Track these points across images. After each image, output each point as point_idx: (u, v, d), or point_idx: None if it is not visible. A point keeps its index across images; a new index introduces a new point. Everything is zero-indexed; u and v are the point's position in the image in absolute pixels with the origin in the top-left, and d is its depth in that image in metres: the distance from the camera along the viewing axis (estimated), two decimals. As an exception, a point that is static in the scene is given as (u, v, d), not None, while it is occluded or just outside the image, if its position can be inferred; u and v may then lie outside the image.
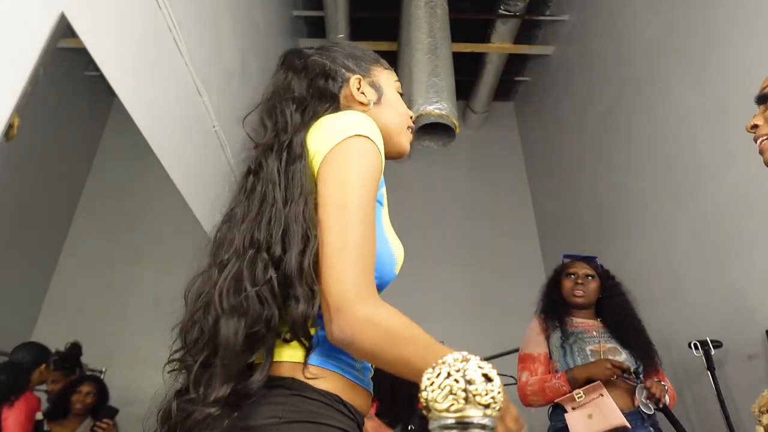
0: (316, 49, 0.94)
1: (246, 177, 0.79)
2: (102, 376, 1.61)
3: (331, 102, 0.86)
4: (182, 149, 1.92)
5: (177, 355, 0.73)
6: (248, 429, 0.64)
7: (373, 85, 0.92)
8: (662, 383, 1.86)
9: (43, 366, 1.26)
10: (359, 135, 0.73)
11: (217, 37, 2.26)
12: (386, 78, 0.95)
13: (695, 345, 2.16)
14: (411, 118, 0.98)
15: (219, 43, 2.28)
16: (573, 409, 1.81)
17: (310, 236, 0.69)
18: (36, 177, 1.32)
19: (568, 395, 1.83)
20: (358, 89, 0.89)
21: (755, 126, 1.13)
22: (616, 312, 2.06)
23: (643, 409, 1.79)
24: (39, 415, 1.24)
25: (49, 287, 1.37)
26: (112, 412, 1.58)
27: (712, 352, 2.12)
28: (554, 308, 2.11)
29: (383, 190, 0.80)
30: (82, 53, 1.29)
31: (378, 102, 0.90)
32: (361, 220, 0.68)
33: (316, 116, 0.81)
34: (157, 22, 1.68)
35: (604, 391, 1.76)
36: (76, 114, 1.49)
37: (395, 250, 0.79)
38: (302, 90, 0.85)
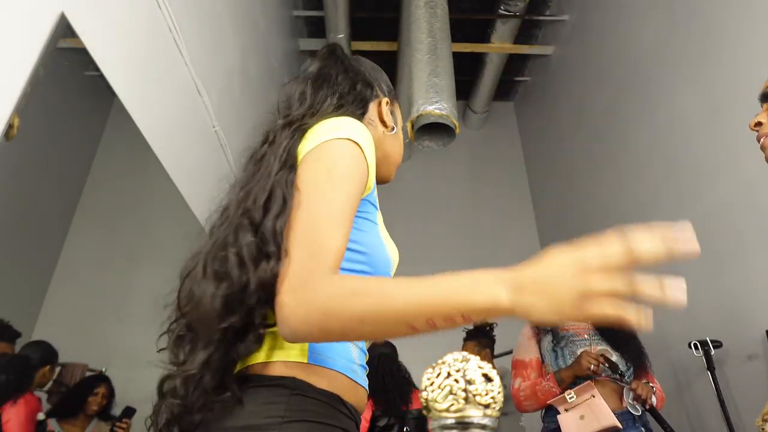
0: (355, 59, 1.01)
1: (261, 145, 0.81)
2: (105, 374, 1.61)
3: (363, 109, 0.91)
4: (182, 149, 1.92)
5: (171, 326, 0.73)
6: (250, 428, 0.64)
7: (393, 115, 0.99)
8: (650, 384, 1.88)
9: (48, 367, 1.26)
10: (344, 138, 0.73)
11: (217, 37, 2.26)
12: (399, 114, 1.02)
13: (695, 345, 2.16)
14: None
15: (219, 43, 2.28)
16: (566, 410, 1.82)
17: (287, 201, 0.69)
18: (36, 177, 1.32)
19: (559, 396, 1.85)
20: (387, 112, 0.96)
21: (759, 124, 1.13)
22: None
23: (630, 410, 1.81)
24: (41, 416, 1.24)
25: (49, 287, 1.37)
26: (131, 412, 1.59)
27: (712, 352, 2.12)
28: None
29: (375, 194, 0.81)
30: (82, 53, 1.29)
31: (393, 130, 0.97)
32: (323, 216, 0.66)
33: (344, 114, 0.83)
34: (157, 22, 1.68)
35: (596, 392, 1.78)
36: (76, 114, 1.49)
37: (390, 253, 0.79)
38: (345, 88, 0.89)
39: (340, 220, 0.67)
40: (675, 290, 0.50)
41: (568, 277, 0.50)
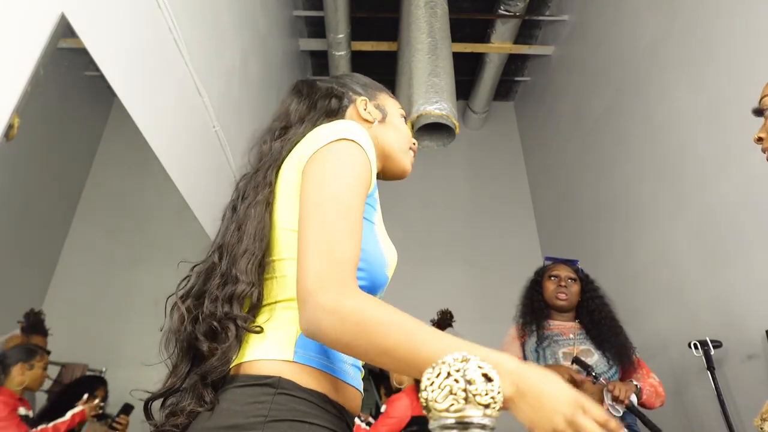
0: (329, 78, 1.02)
1: (232, 205, 0.84)
2: (102, 376, 1.61)
3: (333, 118, 0.91)
4: (182, 149, 1.92)
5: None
6: (234, 428, 0.64)
7: (378, 107, 0.98)
8: (632, 382, 1.86)
9: (19, 364, 1.26)
10: (345, 139, 0.74)
11: (217, 38, 2.26)
12: (391, 104, 1.01)
13: (695, 345, 2.16)
14: (414, 143, 1.03)
15: (219, 43, 2.28)
16: None
17: (255, 238, 0.75)
18: (36, 177, 1.32)
19: None
20: (365, 109, 0.96)
21: (761, 139, 1.17)
22: (594, 314, 2.08)
23: (611, 411, 1.77)
24: (22, 410, 1.24)
25: (49, 287, 1.37)
26: (129, 409, 1.58)
27: (712, 352, 2.12)
28: (533, 311, 2.14)
29: (376, 194, 0.82)
30: (82, 53, 1.29)
31: (382, 121, 0.96)
32: (335, 217, 0.68)
33: (313, 128, 0.84)
34: (157, 22, 1.68)
35: (574, 374, 1.77)
36: (76, 114, 1.49)
37: (387, 254, 0.79)
38: (302, 111, 0.91)
39: (354, 222, 0.69)
40: None
41: (563, 405, 0.56)
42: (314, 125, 0.86)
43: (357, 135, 0.76)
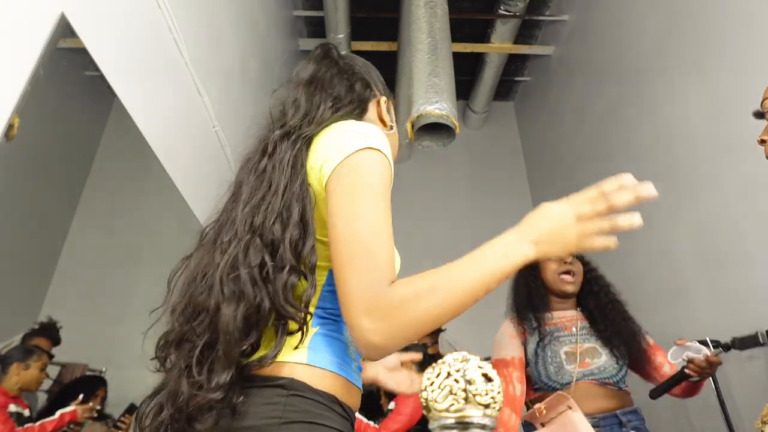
0: (351, 59, 0.98)
1: (260, 156, 0.79)
2: (102, 376, 1.61)
3: (362, 110, 0.89)
4: (182, 149, 1.92)
5: (171, 336, 0.73)
6: (248, 429, 0.64)
7: (390, 113, 0.97)
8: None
9: (15, 364, 1.27)
10: (371, 148, 0.72)
11: (217, 38, 2.26)
12: (393, 110, 1.00)
13: (695, 345, 2.16)
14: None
15: (219, 43, 2.28)
16: (542, 425, 1.56)
17: (305, 219, 0.70)
18: (36, 177, 1.32)
19: (530, 412, 1.61)
20: (388, 111, 0.95)
21: (764, 141, 1.17)
22: (600, 297, 1.80)
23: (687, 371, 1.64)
24: (12, 407, 1.25)
25: (49, 287, 1.37)
26: (133, 409, 1.59)
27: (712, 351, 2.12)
28: (532, 300, 1.80)
29: None
30: (82, 53, 1.29)
31: (392, 129, 0.96)
32: (370, 231, 0.66)
33: (343, 118, 0.81)
34: (157, 22, 1.68)
35: (572, 402, 1.49)
36: (76, 114, 1.49)
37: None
38: (341, 90, 0.87)
39: (387, 233, 0.68)
40: (645, 190, 0.68)
41: (570, 225, 0.69)
42: (348, 115, 0.83)
43: (382, 144, 0.73)
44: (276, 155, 0.76)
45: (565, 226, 0.68)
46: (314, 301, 0.73)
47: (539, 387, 1.72)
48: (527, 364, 1.75)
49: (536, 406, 1.57)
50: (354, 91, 0.88)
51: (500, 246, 0.68)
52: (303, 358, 0.69)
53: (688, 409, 2.50)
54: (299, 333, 0.69)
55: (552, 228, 0.68)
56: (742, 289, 2.21)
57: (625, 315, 1.81)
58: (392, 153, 0.94)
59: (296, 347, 0.70)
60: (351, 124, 0.78)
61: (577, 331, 1.75)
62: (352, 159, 0.70)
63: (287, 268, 0.67)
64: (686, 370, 1.65)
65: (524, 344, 1.77)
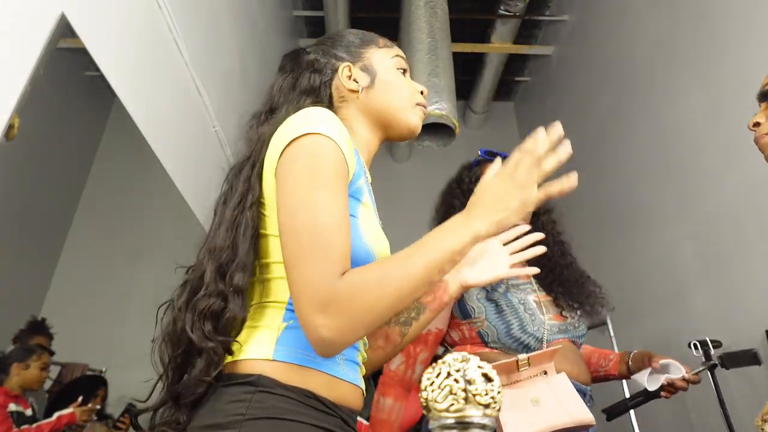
0: (314, 45, 0.95)
1: (223, 199, 0.81)
2: (102, 376, 1.61)
3: (315, 96, 0.85)
4: (182, 149, 1.92)
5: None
6: (212, 427, 0.64)
7: (365, 69, 0.89)
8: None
9: (15, 364, 1.28)
10: (309, 133, 0.70)
11: (217, 37, 2.26)
12: (381, 57, 0.91)
13: (695, 345, 2.15)
14: (422, 93, 0.93)
15: (218, 43, 2.28)
16: (513, 382, 1.08)
17: (237, 248, 0.72)
18: (36, 177, 1.32)
19: (507, 361, 1.08)
20: (349, 77, 0.88)
21: (757, 124, 1.10)
22: (552, 249, 1.36)
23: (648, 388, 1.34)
24: (12, 406, 1.26)
25: (49, 287, 1.37)
26: (131, 409, 1.59)
27: (712, 352, 2.12)
28: None
29: (361, 181, 0.77)
30: (82, 53, 1.29)
31: (370, 86, 0.88)
32: (313, 222, 0.65)
33: (297, 111, 0.79)
34: (157, 22, 1.68)
35: (551, 366, 1.10)
36: (76, 114, 1.49)
37: (374, 246, 0.75)
38: (285, 90, 0.86)
39: (338, 220, 0.67)
40: (563, 149, 0.73)
41: (508, 188, 0.71)
42: (297, 107, 0.80)
43: (320, 125, 0.71)
44: (234, 188, 0.78)
45: (503, 190, 0.71)
46: (285, 296, 0.72)
47: (498, 347, 1.22)
48: (469, 314, 1.25)
49: (519, 357, 1.09)
50: (299, 83, 0.87)
51: (449, 226, 0.70)
52: (269, 354, 0.68)
53: (688, 408, 2.50)
54: (268, 329, 0.70)
55: (493, 197, 0.71)
56: (742, 289, 2.21)
57: (581, 273, 1.43)
58: (385, 105, 0.87)
59: (266, 343, 0.69)
60: (305, 110, 0.76)
61: (531, 282, 1.32)
62: (289, 151, 0.71)
63: (206, 295, 0.70)
64: (662, 394, 1.41)
65: (458, 304, 1.28)
